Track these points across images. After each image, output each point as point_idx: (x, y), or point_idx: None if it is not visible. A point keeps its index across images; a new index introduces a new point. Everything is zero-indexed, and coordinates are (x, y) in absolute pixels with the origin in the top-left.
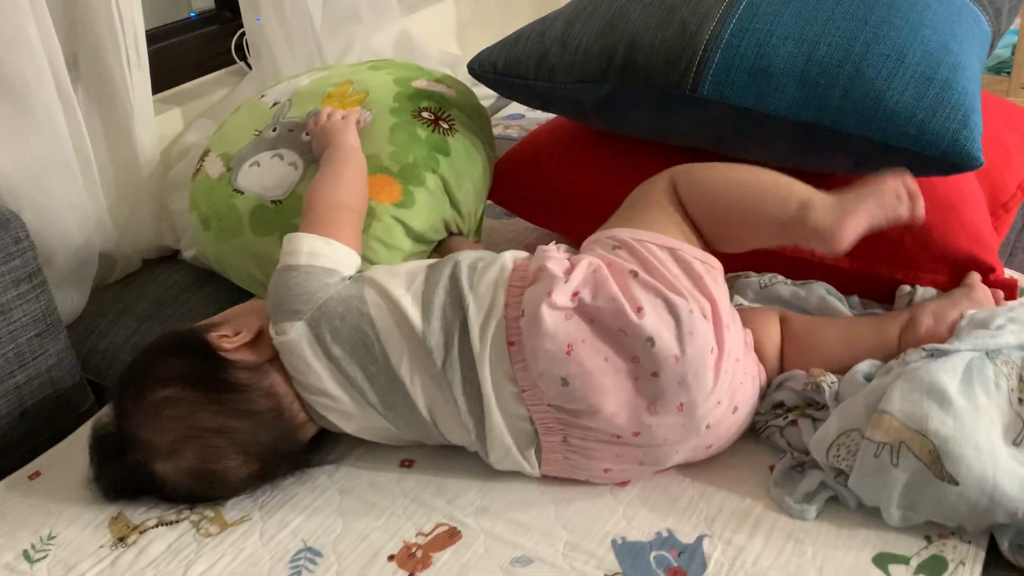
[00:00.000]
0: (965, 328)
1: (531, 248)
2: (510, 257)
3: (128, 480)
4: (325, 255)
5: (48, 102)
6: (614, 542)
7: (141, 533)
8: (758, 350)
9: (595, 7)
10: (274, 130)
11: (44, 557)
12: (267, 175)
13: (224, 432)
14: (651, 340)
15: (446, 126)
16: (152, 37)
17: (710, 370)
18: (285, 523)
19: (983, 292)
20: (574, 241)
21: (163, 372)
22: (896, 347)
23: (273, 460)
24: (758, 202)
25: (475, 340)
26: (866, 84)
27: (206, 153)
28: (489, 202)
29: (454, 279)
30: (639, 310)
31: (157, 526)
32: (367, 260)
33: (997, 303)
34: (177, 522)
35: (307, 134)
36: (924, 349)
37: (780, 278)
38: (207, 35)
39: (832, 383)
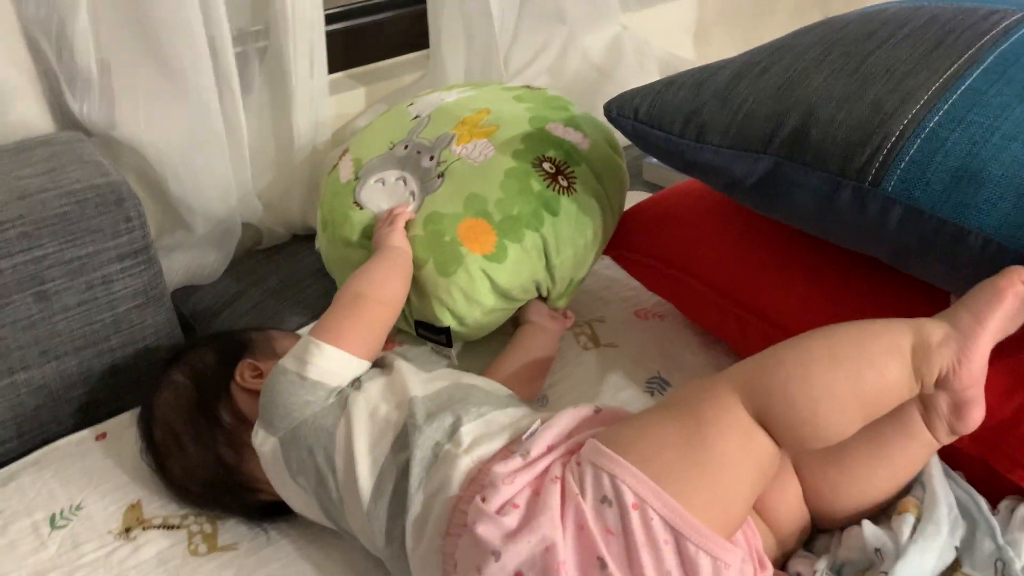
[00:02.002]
0: None
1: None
2: (468, 464)
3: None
4: (313, 364)
5: (203, 83)
6: None
7: (144, 530)
8: (770, 520)
9: (772, 62)
10: (406, 147)
11: (64, 527)
12: (387, 198)
13: (178, 442)
14: None
15: (564, 183)
16: (362, 10)
17: None
18: (262, 562)
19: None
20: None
21: (193, 362)
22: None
23: (210, 496)
24: (868, 373)
25: (411, 556)
26: None
27: (345, 151)
28: None
29: (407, 470)
30: None
31: (160, 527)
32: (446, 307)
33: None
34: (178, 528)
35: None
36: None
37: None
38: (419, 12)
39: None
